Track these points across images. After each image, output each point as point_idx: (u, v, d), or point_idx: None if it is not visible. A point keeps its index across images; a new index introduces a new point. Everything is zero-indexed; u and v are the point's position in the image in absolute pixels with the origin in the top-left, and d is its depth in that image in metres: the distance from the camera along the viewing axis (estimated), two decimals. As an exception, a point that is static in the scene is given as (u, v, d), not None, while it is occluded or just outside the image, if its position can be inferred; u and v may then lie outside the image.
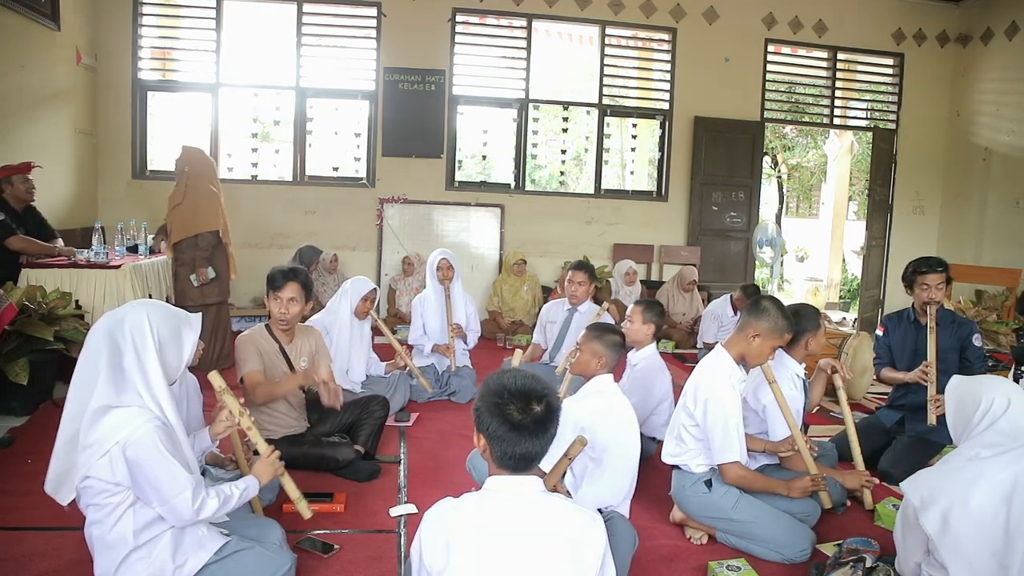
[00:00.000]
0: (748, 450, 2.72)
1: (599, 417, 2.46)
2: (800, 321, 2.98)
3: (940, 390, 3.34)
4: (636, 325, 3.55)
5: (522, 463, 1.57)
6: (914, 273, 3.49)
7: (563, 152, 8.56)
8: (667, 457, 2.78)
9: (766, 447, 2.87)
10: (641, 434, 3.47)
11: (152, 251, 5.30)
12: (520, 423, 1.54)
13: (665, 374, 3.55)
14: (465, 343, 4.72)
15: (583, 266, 4.54)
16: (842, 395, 3.07)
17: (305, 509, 2.29)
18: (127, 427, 1.85)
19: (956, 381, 2.06)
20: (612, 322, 4.20)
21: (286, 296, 3.06)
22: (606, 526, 2.00)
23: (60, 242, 4.76)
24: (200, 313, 2.25)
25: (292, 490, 2.28)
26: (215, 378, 2.20)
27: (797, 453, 2.80)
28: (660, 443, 3.47)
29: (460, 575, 1.49)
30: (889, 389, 3.82)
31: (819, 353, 3.18)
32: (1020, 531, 1.73)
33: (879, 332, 3.78)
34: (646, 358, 3.55)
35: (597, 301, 4.73)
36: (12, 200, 4.53)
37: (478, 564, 1.49)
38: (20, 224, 4.57)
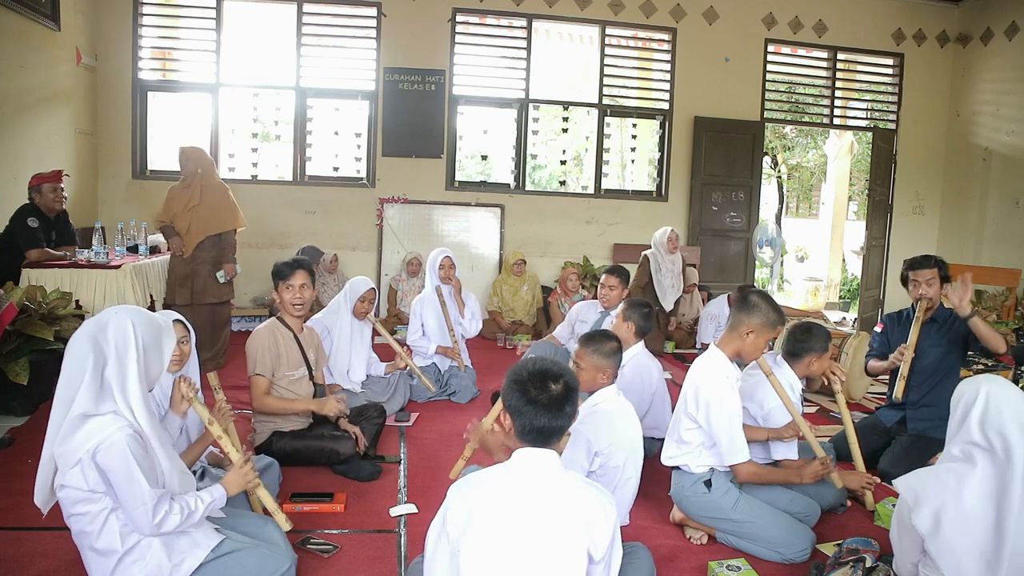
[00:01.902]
0: (751, 440, 2.72)
1: (613, 436, 2.43)
2: (809, 340, 3.01)
3: (914, 398, 3.49)
4: (617, 322, 3.57)
5: (540, 437, 1.70)
6: (907, 270, 3.59)
7: (563, 152, 8.57)
8: (667, 459, 2.78)
9: (769, 435, 2.89)
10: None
11: (153, 250, 5.29)
12: (536, 399, 1.69)
13: (652, 372, 3.51)
14: (461, 316, 4.70)
15: (616, 270, 4.50)
16: (841, 398, 3.07)
17: (283, 522, 2.27)
18: (99, 434, 1.84)
19: (962, 381, 2.06)
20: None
21: (297, 283, 3.23)
22: (628, 555, 2.07)
23: (74, 249, 4.79)
24: (180, 315, 2.30)
25: (269, 502, 2.28)
26: (183, 387, 2.30)
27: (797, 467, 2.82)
28: (659, 442, 3.49)
29: (477, 541, 1.60)
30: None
31: (819, 376, 3.17)
32: (1007, 531, 1.73)
33: (877, 328, 3.82)
34: (632, 359, 3.49)
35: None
36: (43, 207, 4.59)
37: (494, 533, 1.60)
38: (51, 228, 4.67)
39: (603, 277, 4.49)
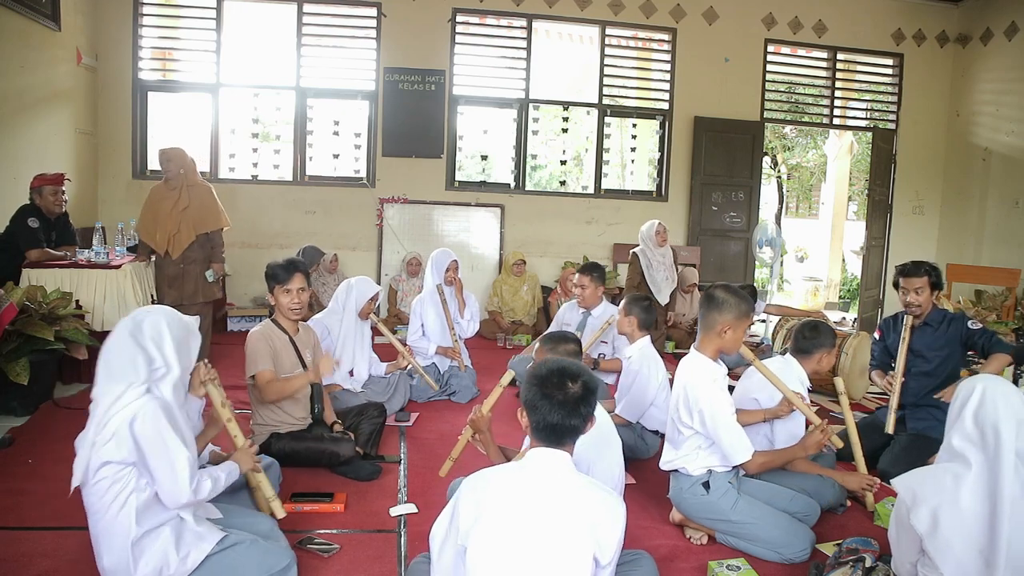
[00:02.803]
0: (748, 423, 2.77)
1: (587, 443, 2.43)
2: (818, 337, 3.12)
3: (913, 398, 3.52)
4: (620, 318, 3.65)
5: (553, 435, 1.71)
6: (898, 275, 3.61)
7: (563, 152, 8.56)
8: (664, 464, 2.79)
9: (765, 415, 2.93)
10: (642, 427, 3.51)
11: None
12: (552, 395, 1.70)
13: (657, 365, 3.53)
14: (461, 316, 4.71)
15: (585, 268, 4.50)
16: (844, 399, 3.06)
17: (279, 509, 2.39)
18: (133, 405, 1.93)
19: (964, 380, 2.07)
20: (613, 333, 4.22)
21: (295, 287, 3.19)
22: (632, 563, 2.10)
23: (75, 249, 4.79)
24: (198, 316, 2.31)
25: (267, 489, 2.39)
26: (202, 370, 2.34)
27: (802, 458, 2.84)
28: (661, 436, 3.50)
29: (484, 537, 1.62)
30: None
31: (825, 372, 3.21)
32: (1001, 527, 1.74)
33: (876, 336, 3.85)
34: (639, 350, 3.56)
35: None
36: (43, 209, 4.60)
37: (501, 530, 1.61)
38: (51, 229, 4.68)
39: (575, 277, 4.48)
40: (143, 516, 1.96)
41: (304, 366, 3.28)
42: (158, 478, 1.95)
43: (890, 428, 3.46)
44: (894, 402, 3.46)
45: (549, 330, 4.70)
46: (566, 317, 4.65)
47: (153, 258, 4.93)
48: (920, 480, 1.90)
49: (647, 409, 3.49)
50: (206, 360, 2.37)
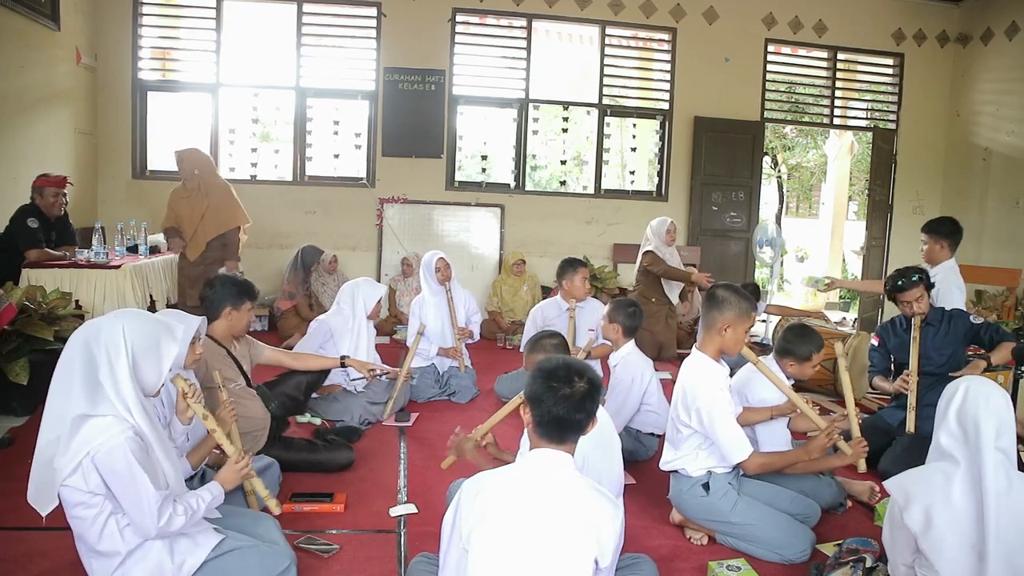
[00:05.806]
0: (752, 423, 2.75)
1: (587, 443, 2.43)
2: (794, 342, 3.01)
3: (922, 378, 3.44)
4: (604, 324, 3.57)
5: (558, 430, 1.71)
6: (894, 292, 3.55)
7: (563, 152, 8.55)
8: (664, 464, 2.78)
9: (772, 413, 2.88)
10: (637, 431, 3.50)
11: (153, 250, 5.28)
12: (559, 388, 1.70)
13: (643, 371, 3.47)
14: (472, 338, 4.72)
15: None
16: (845, 377, 2.90)
17: (275, 507, 2.34)
18: (99, 437, 1.84)
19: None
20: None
21: (248, 310, 3.14)
22: (633, 566, 2.11)
23: (74, 249, 4.79)
24: (204, 318, 2.28)
25: (261, 489, 2.33)
26: (181, 383, 2.21)
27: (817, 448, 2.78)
28: (658, 437, 3.49)
29: (486, 540, 1.62)
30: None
31: (807, 377, 3.12)
32: (989, 521, 1.75)
33: (873, 342, 3.80)
34: (623, 357, 3.51)
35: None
36: (42, 208, 4.59)
37: (503, 533, 1.61)
38: (51, 229, 4.67)
39: (579, 276, 4.42)
40: (128, 534, 1.92)
41: (245, 376, 3.19)
42: (126, 510, 1.89)
43: (911, 426, 3.33)
44: (912, 400, 3.35)
45: (527, 332, 4.57)
46: (547, 313, 4.55)
47: (174, 261, 4.97)
48: (913, 480, 1.91)
49: (628, 419, 3.45)
50: (183, 376, 2.24)
